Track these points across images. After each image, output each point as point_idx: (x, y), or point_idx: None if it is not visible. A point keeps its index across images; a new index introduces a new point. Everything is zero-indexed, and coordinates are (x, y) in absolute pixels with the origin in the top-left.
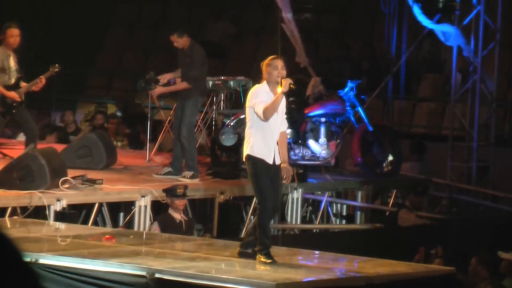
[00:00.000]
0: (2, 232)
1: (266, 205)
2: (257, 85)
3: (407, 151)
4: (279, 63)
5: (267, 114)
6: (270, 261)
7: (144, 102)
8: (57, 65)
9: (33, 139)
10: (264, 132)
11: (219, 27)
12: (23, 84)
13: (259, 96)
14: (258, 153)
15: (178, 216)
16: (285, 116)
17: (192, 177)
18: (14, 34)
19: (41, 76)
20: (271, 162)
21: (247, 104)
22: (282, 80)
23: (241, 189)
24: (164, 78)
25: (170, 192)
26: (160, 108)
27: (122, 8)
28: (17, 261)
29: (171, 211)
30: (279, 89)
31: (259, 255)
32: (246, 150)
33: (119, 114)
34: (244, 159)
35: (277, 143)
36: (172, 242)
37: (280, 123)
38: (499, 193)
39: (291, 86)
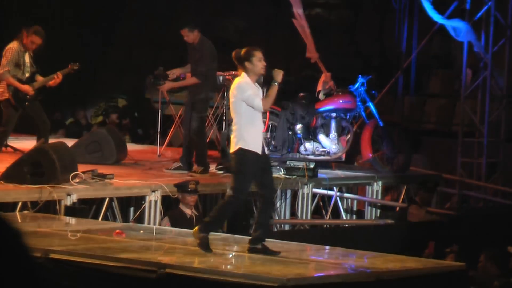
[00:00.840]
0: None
1: (240, 198)
2: (238, 78)
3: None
4: (261, 54)
5: (266, 106)
6: (205, 248)
7: (154, 97)
8: (77, 63)
9: (45, 134)
10: (255, 125)
11: (230, 22)
12: (39, 78)
13: (248, 89)
14: (251, 146)
15: (189, 211)
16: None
17: (202, 172)
18: (35, 42)
19: (58, 72)
20: (260, 152)
21: (234, 98)
22: (275, 70)
23: None
24: (173, 73)
25: (182, 187)
26: (170, 103)
27: (132, 3)
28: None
29: (182, 206)
30: (274, 82)
31: (199, 234)
32: (238, 143)
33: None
34: (232, 152)
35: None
36: (182, 237)
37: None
38: (509, 189)
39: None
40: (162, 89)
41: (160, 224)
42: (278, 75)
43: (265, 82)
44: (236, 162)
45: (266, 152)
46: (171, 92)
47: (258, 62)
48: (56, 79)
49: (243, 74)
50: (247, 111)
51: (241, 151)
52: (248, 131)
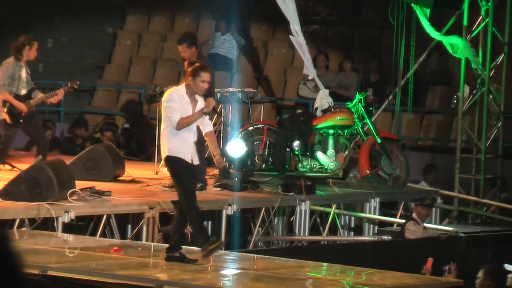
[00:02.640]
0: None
1: (193, 204)
2: (174, 87)
3: (416, 164)
4: (208, 77)
5: (180, 127)
6: (218, 241)
7: (151, 114)
8: (78, 82)
9: (43, 151)
10: (179, 134)
11: (227, 39)
12: (40, 95)
13: (175, 100)
14: (176, 153)
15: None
16: (208, 118)
17: (200, 189)
18: (31, 52)
19: (60, 89)
20: (190, 161)
21: (163, 104)
22: (208, 99)
23: (249, 201)
24: None
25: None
26: None
27: (129, 20)
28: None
29: None
30: (201, 107)
31: (207, 247)
32: (164, 152)
33: (127, 126)
34: (163, 162)
35: (195, 144)
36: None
37: (195, 125)
38: (507, 205)
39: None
40: (159, 106)
41: (155, 241)
42: (210, 105)
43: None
44: (169, 169)
45: (194, 163)
46: None
47: (201, 83)
48: (58, 95)
49: (182, 85)
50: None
51: (167, 159)
52: (172, 141)
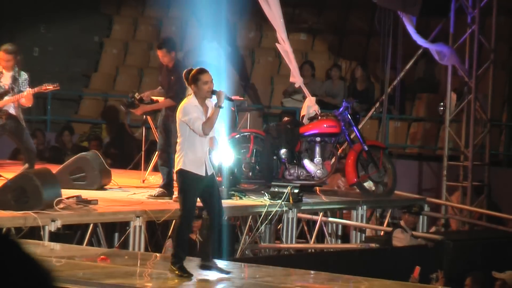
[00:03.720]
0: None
1: (189, 219)
2: (185, 100)
3: (403, 171)
4: (208, 77)
5: (206, 130)
6: (186, 274)
7: (130, 122)
8: (55, 84)
9: (30, 160)
10: (195, 147)
11: (213, 47)
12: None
13: (191, 111)
14: (189, 168)
15: (193, 236)
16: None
17: None
18: (4, 59)
19: (28, 88)
20: (203, 174)
21: (178, 120)
22: (217, 93)
23: (236, 209)
24: (146, 96)
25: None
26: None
27: (116, 29)
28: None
29: None
30: (214, 103)
31: (174, 268)
32: (178, 165)
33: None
34: (175, 171)
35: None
36: (168, 262)
37: (210, 134)
38: (493, 212)
39: (228, 98)
40: (137, 113)
41: (164, 246)
42: (221, 97)
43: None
44: (178, 182)
45: (217, 172)
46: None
47: (203, 85)
48: (24, 95)
49: (191, 96)
50: (190, 134)
51: (180, 172)
52: (188, 155)
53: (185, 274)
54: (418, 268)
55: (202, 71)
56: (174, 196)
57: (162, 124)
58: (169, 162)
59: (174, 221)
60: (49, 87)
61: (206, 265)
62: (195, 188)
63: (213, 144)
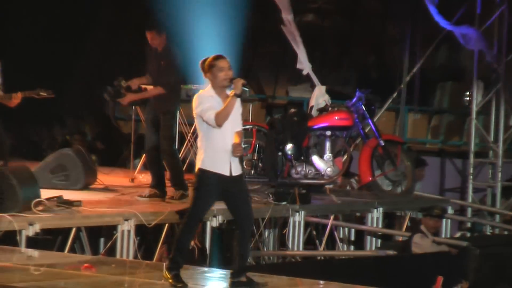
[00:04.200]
0: None
1: (195, 222)
2: (200, 91)
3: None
4: (225, 63)
5: (220, 120)
6: (180, 285)
7: (113, 113)
8: (50, 91)
9: (3, 156)
10: (215, 143)
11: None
12: None
13: (204, 102)
14: (208, 166)
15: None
16: (241, 118)
17: (181, 197)
18: None
19: (19, 92)
20: (227, 174)
21: (194, 113)
22: (234, 80)
23: None
24: (134, 83)
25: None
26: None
27: (104, 12)
28: None
29: None
30: (230, 92)
31: (168, 275)
32: (197, 163)
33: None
34: (195, 171)
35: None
36: (159, 270)
37: (232, 128)
38: None
39: (244, 86)
40: (123, 102)
41: (157, 253)
42: (237, 85)
43: None
44: (195, 181)
45: (235, 171)
46: (132, 106)
47: (219, 72)
48: (14, 99)
49: (208, 86)
50: (209, 129)
51: (199, 172)
52: (207, 152)
53: (179, 284)
54: (440, 278)
55: (218, 57)
56: (167, 197)
57: (150, 115)
58: (159, 158)
59: (166, 225)
60: (42, 94)
61: (239, 282)
62: (212, 190)
63: (240, 139)
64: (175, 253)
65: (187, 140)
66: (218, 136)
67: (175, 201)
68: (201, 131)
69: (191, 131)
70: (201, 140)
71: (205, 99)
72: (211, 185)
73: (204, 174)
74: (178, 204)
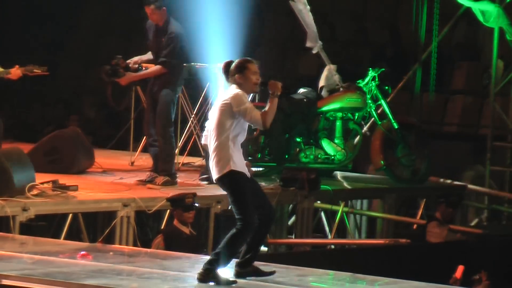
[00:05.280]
0: None
1: (252, 227)
2: (230, 88)
3: (438, 153)
4: (257, 67)
5: (268, 120)
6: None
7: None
8: (44, 69)
9: None
10: (239, 144)
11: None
12: None
13: (246, 101)
14: (240, 167)
15: (186, 230)
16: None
17: (165, 184)
18: None
19: (16, 66)
20: (248, 175)
21: (224, 109)
22: (273, 83)
23: None
24: (134, 62)
25: (178, 202)
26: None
27: None
28: None
29: (178, 224)
30: (275, 94)
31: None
32: (226, 166)
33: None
34: (221, 176)
35: None
36: (160, 259)
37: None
38: None
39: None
40: (122, 82)
41: (153, 243)
42: (278, 86)
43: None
44: (231, 186)
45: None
46: (131, 86)
47: (252, 75)
48: (12, 73)
49: (235, 87)
50: (236, 128)
51: (233, 173)
52: (235, 153)
53: (231, 280)
54: (461, 267)
55: (250, 60)
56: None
57: (149, 94)
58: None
59: (168, 211)
60: (37, 70)
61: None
62: (249, 189)
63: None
64: (223, 257)
65: (189, 121)
66: (241, 137)
67: (157, 187)
68: (232, 132)
69: (194, 112)
70: (228, 140)
71: (246, 98)
72: (247, 184)
73: (238, 175)
74: (158, 188)
